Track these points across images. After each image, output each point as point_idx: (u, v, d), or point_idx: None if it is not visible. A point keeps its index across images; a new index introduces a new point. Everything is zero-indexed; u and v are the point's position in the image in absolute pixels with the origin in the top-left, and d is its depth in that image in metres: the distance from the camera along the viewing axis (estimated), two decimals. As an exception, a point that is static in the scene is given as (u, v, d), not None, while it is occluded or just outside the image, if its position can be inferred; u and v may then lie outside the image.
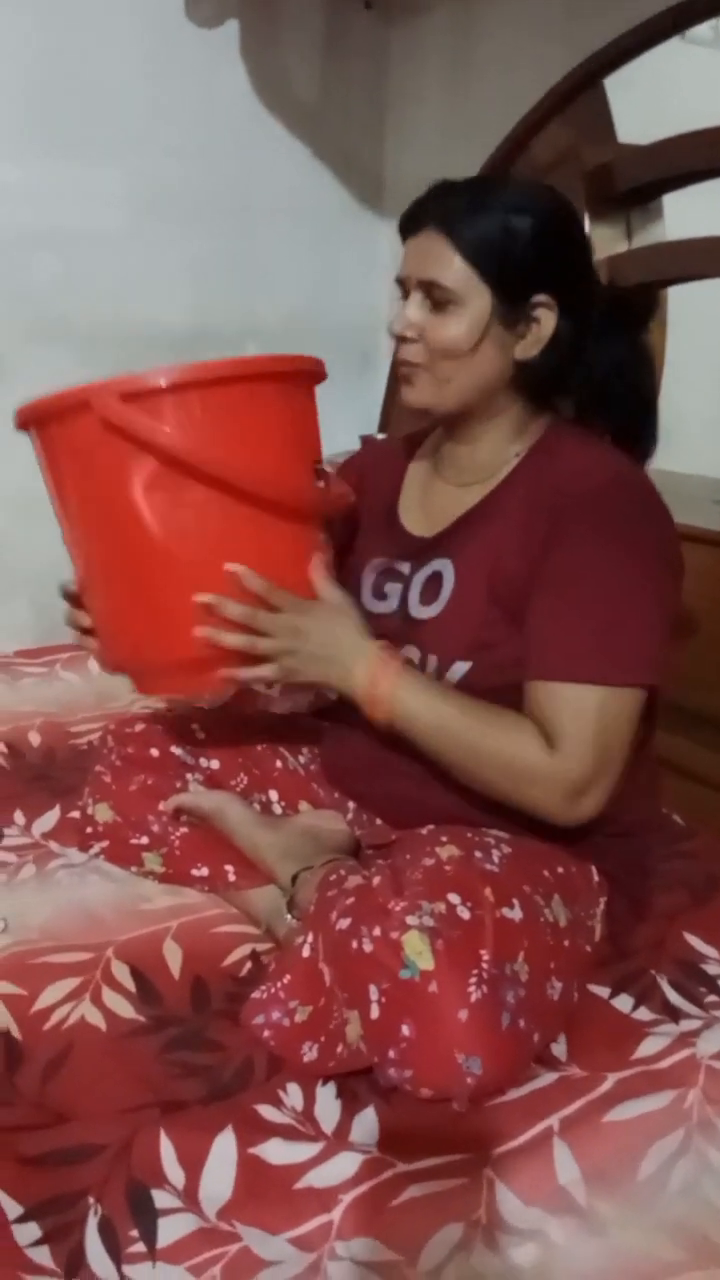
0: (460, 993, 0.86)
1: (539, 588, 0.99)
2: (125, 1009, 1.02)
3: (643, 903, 1.17)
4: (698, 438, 2.32)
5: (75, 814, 1.29)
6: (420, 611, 1.10)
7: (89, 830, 1.25)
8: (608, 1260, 0.79)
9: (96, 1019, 1.00)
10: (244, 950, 1.12)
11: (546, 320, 1.02)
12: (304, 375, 1.05)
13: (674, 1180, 0.86)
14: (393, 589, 1.14)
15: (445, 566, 1.08)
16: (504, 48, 2.07)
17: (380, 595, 1.15)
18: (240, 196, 2.26)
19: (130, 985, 1.05)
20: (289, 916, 1.09)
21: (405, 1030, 0.86)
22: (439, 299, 1.00)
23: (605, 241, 1.82)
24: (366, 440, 1.26)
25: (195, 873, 1.19)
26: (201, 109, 2.19)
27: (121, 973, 1.07)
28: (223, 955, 1.11)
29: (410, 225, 1.04)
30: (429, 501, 1.15)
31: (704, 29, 2.54)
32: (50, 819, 1.36)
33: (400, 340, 1.04)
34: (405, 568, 1.13)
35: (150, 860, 1.21)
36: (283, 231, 2.29)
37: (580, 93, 1.82)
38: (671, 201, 1.91)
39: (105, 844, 1.24)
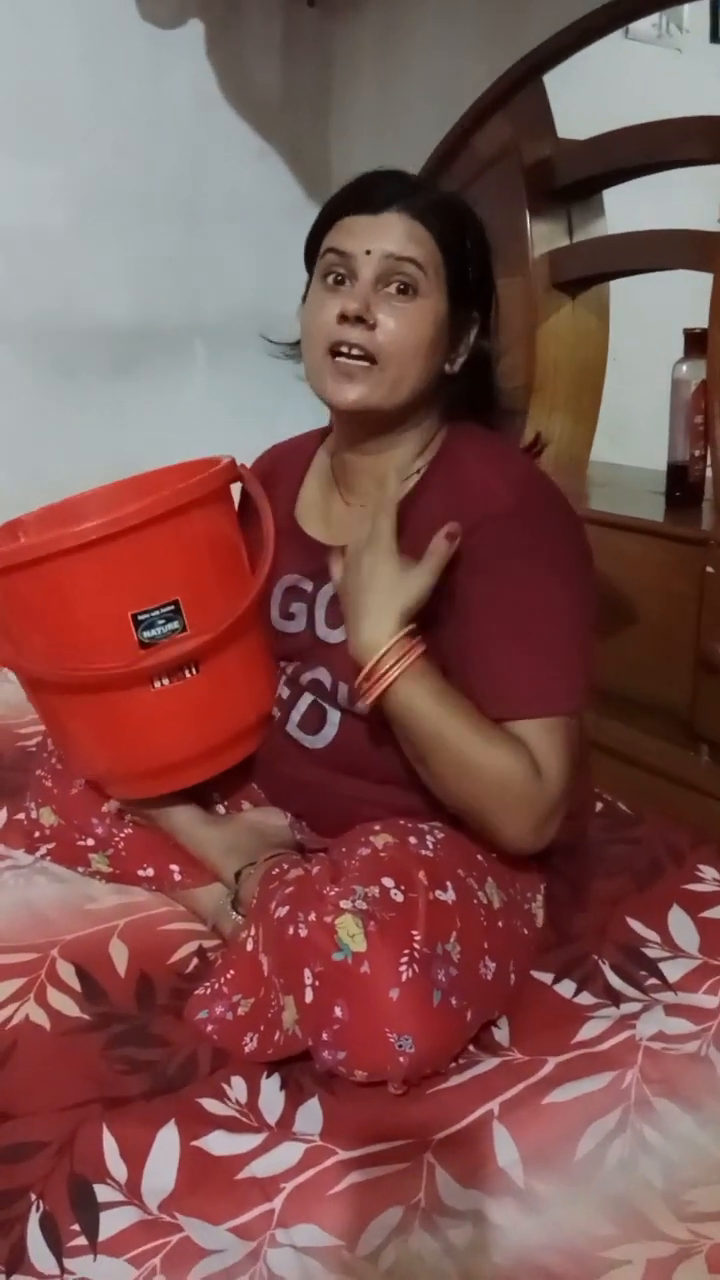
0: (392, 972, 0.87)
1: (468, 618, 0.97)
2: (70, 1008, 1.02)
3: (584, 888, 1.19)
4: (645, 431, 2.36)
5: (21, 816, 1.28)
6: (328, 635, 1.08)
7: (36, 834, 1.25)
8: (544, 1237, 0.80)
9: (41, 1018, 1.00)
10: (191, 947, 1.13)
11: (469, 335, 1.02)
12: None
13: (610, 1158, 0.88)
14: (299, 608, 1.12)
15: None
16: (445, 42, 2.09)
17: (287, 615, 1.13)
18: (185, 193, 2.26)
19: (75, 984, 1.05)
20: (234, 913, 1.09)
21: (338, 1011, 0.88)
22: (405, 284, 0.95)
23: (545, 236, 1.84)
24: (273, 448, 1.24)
25: (141, 873, 1.20)
26: (145, 106, 2.19)
27: (66, 972, 1.07)
28: (170, 952, 1.12)
29: (364, 204, 0.97)
30: (329, 511, 1.12)
31: (646, 27, 2.58)
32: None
33: (353, 323, 0.95)
34: (309, 585, 1.11)
35: (97, 860, 1.21)
36: (228, 228, 2.29)
37: (520, 88, 1.84)
38: (612, 196, 1.93)
39: (52, 845, 1.24)
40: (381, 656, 0.92)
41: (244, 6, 2.22)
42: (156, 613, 1.01)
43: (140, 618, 1.01)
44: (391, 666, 0.92)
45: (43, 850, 1.25)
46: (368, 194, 0.98)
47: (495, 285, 1.04)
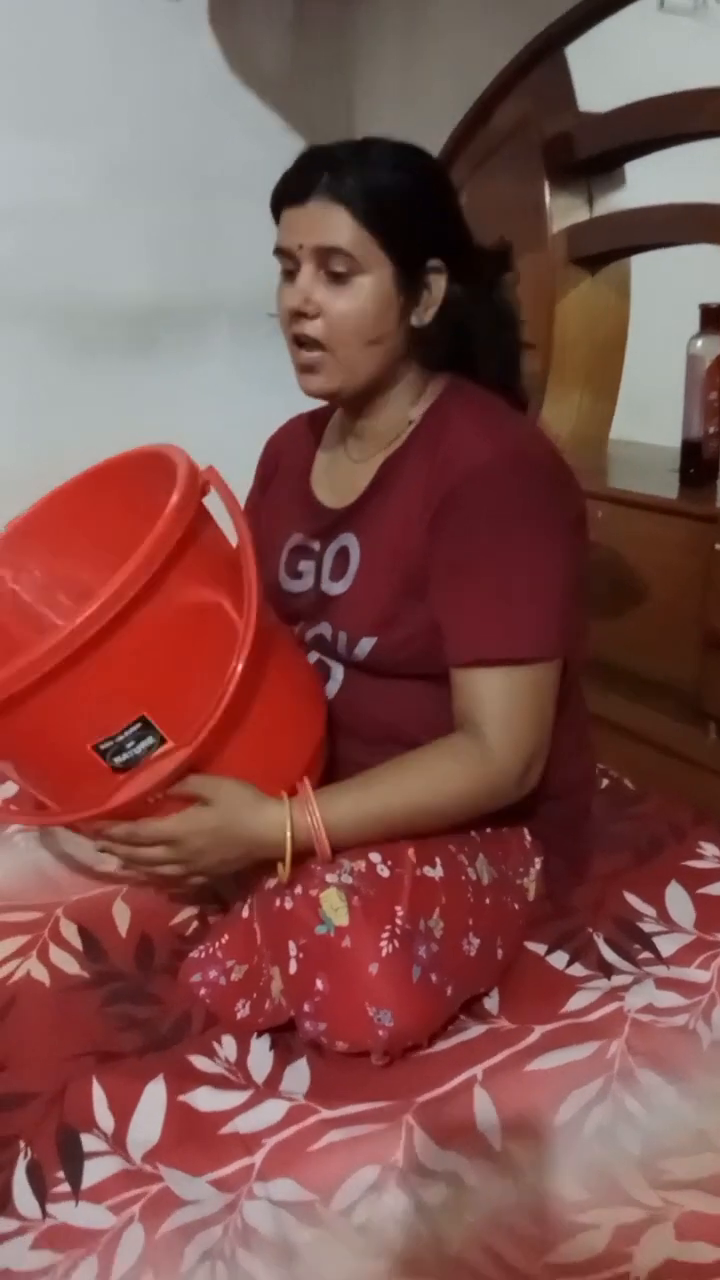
0: (373, 947, 0.89)
1: (437, 575, 1.00)
2: (71, 965, 1.05)
3: (580, 863, 1.19)
4: (668, 410, 2.33)
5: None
6: (331, 588, 1.10)
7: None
8: (514, 1199, 0.82)
9: (42, 975, 1.03)
10: (193, 910, 1.15)
11: (438, 285, 1.02)
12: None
13: (590, 1125, 0.89)
14: (306, 566, 1.13)
15: (351, 542, 1.08)
16: (464, 15, 2.06)
17: (295, 574, 1.14)
18: (201, 170, 2.26)
19: (77, 943, 1.08)
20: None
21: (320, 984, 0.90)
22: (338, 270, 0.98)
23: (565, 211, 1.82)
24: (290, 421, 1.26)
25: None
26: (161, 83, 2.19)
27: (70, 931, 1.10)
28: (171, 914, 1.14)
29: (291, 196, 0.99)
30: (335, 474, 1.15)
31: (683, -1, 2.53)
32: (11, 785, 1.38)
33: (297, 317, 1.00)
34: (316, 545, 1.13)
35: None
36: (244, 205, 2.26)
37: (540, 60, 1.82)
38: (634, 170, 1.90)
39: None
40: (292, 821, 0.94)
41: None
42: (122, 737, 0.88)
43: (103, 747, 0.89)
44: (305, 818, 0.94)
45: (52, 816, 1.27)
46: (293, 184, 1.00)
47: (462, 223, 1.04)
